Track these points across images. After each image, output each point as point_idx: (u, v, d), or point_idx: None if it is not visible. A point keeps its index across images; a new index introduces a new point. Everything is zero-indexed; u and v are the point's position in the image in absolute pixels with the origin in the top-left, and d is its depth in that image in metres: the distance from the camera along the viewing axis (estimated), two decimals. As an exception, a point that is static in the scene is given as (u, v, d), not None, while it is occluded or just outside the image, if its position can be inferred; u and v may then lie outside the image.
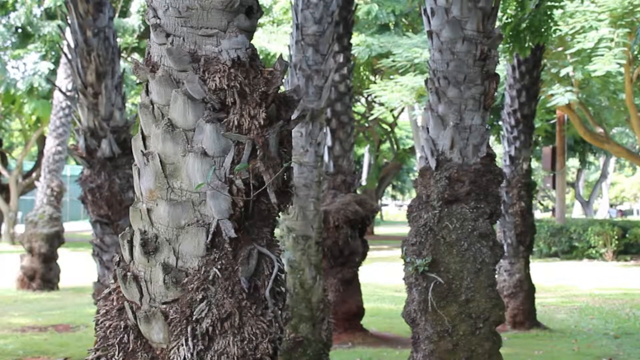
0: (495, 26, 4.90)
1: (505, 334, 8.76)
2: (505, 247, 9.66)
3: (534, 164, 28.29)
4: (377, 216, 36.41)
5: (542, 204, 39.82)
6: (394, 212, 56.18)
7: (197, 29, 2.42)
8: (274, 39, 17.69)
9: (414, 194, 5.18)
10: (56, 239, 13.66)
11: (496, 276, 4.86)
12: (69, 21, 6.37)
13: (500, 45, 7.00)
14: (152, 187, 2.45)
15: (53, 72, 19.85)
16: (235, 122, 2.40)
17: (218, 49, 2.41)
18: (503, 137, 10.12)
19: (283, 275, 2.52)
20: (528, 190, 9.87)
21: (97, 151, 6.16)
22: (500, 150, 10.94)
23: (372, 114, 18.72)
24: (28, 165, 28.99)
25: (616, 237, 19.91)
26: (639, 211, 56.35)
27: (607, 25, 11.03)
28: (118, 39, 6.86)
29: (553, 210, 32.52)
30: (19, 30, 21.45)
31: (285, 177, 2.50)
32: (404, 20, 19.13)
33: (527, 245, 9.89)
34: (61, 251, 14.18)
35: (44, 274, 13.46)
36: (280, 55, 2.65)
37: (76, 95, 6.38)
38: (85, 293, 12.03)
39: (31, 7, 20.59)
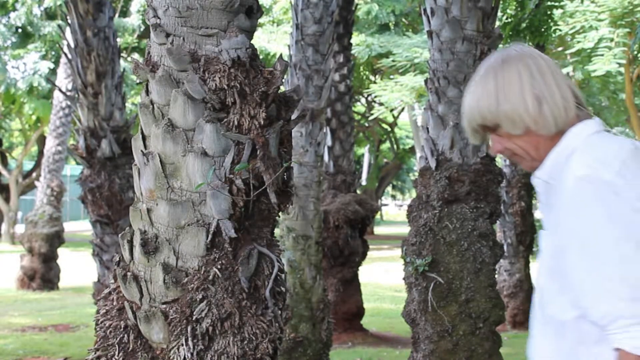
0: (495, 26, 4.90)
1: (505, 334, 8.76)
2: (505, 247, 9.67)
3: (534, 164, 28.24)
4: (377, 216, 36.42)
5: (542, 204, 39.68)
6: (394, 212, 56.20)
7: (197, 29, 2.42)
8: (274, 39, 17.68)
9: (414, 194, 5.18)
10: (56, 239, 13.67)
11: (496, 276, 4.86)
12: (69, 21, 6.37)
13: (500, 45, 6.99)
14: (152, 187, 2.45)
15: (53, 72, 19.86)
16: (235, 122, 2.40)
17: (218, 49, 2.40)
18: (503, 137, 10.11)
19: (283, 275, 2.52)
20: (528, 190, 9.88)
21: (97, 151, 6.16)
22: (500, 150, 10.91)
23: (372, 114, 18.72)
24: (28, 165, 28.99)
25: (616, 237, 19.90)
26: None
27: (607, 25, 11.04)
28: (118, 39, 6.86)
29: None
30: (19, 30, 21.45)
31: (285, 177, 2.50)
32: (404, 20, 19.13)
33: (527, 245, 9.90)
34: (61, 251, 14.19)
35: (44, 274, 13.47)
36: (280, 55, 2.65)
37: (76, 95, 6.38)
38: (85, 293, 12.03)
39: (31, 7, 20.59)
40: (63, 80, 13.81)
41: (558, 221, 1.71)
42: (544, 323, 1.78)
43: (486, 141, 1.89)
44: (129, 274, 2.47)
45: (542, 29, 7.82)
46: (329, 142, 9.17)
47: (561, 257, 1.69)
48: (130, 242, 2.51)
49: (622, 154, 1.67)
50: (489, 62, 1.81)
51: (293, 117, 2.57)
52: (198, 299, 2.36)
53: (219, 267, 2.38)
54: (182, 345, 2.35)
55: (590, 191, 1.62)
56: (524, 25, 7.73)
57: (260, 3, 2.57)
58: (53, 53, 20.68)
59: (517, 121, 1.73)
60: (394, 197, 58.55)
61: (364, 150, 34.67)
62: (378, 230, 33.79)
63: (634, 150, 1.70)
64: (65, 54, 6.59)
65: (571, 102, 1.75)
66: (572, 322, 1.69)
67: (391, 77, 17.06)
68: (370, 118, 21.54)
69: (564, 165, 1.72)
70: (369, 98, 22.95)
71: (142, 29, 20.74)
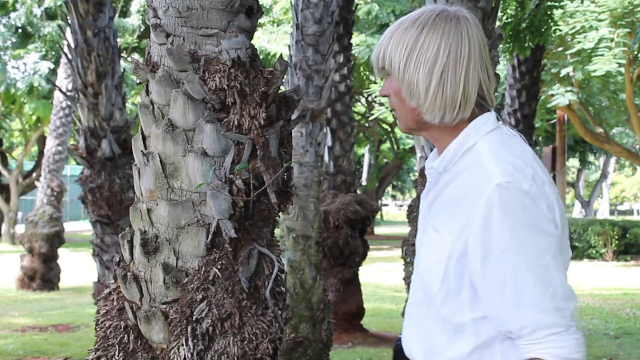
0: (495, 26, 4.89)
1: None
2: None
3: (534, 164, 28.17)
4: (377, 216, 36.43)
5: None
6: (394, 212, 56.21)
7: (197, 29, 2.42)
8: (274, 39, 17.70)
9: (414, 194, 5.17)
10: (56, 239, 13.67)
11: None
12: (69, 21, 6.37)
13: (500, 45, 6.99)
14: (152, 187, 2.45)
15: (53, 72, 19.87)
16: (236, 122, 2.40)
17: (218, 49, 2.40)
18: (503, 137, 10.11)
19: (283, 275, 2.52)
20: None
21: (97, 151, 6.16)
22: (500, 150, 10.92)
23: (372, 114, 18.73)
24: (28, 165, 29.01)
25: (616, 237, 19.92)
26: (639, 211, 56.43)
27: (607, 25, 11.05)
28: (118, 39, 6.86)
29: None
30: (19, 30, 21.47)
31: (285, 177, 2.50)
32: (404, 20, 19.14)
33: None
34: (61, 251, 14.19)
35: (44, 274, 13.47)
36: (280, 55, 2.65)
37: (76, 95, 6.38)
38: (85, 293, 12.03)
39: (31, 7, 20.60)
40: (63, 80, 13.82)
41: (456, 221, 1.65)
42: (434, 322, 1.73)
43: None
44: (129, 274, 2.47)
45: (542, 29, 7.82)
46: (329, 142, 9.16)
47: (462, 260, 1.65)
48: (130, 242, 2.51)
49: (530, 158, 1.68)
50: (423, 13, 1.71)
51: (293, 117, 2.57)
52: (198, 299, 2.36)
53: (219, 267, 2.38)
54: (182, 345, 2.35)
55: (511, 200, 1.59)
56: (524, 25, 7.74)
57: (260, 3, 2.57)
58: (53, 53, 20.69)
59: (413, 94, 1.68)
60: (394, 197, 58.56)
61: (364, 150, 34.68)
62: (378, 230, 33.80)
63: (531, 150, 1.73)
64: (65, 54, 6.59)
65: (471, 100, 1.69)
66: (470, 323, 1.67)
67: (391, 77, 16.99)
68: (371, 118, 21.55)
69: (462, 158, 1.71)
70: (369, 98, 22.96)
71: (142, 29, 20.75)
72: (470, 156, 1.70)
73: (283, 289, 2.50)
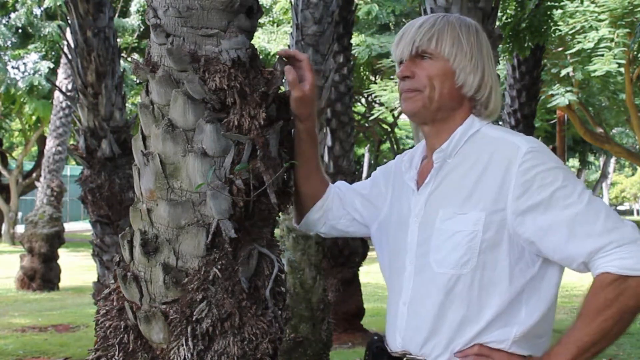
0: (495, 26, 4.89)
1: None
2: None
3: (534, 164, 28.15)
4: (377, 216, 36.28)
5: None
6: (394, 212, 56.10)
7: (197, 29, 2.42)
8: (273, 39, 17.70)
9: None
10: (56, 239, 13.66)
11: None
12: (69, 21, 6.36)
13: (500, 45, 6.99)
14: (152, 187, 2.45)
15: (53, 72, 19.87)
16: (236, 122, 2.39)
17: (218, 49, 2.40)
18: (503, 137, 10.11)
19: (283, 275, 2.52)
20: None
21: (97, 151, 6.16)
22: (500, 150, 10.91)
23: (372, 114, 18.72)
24: (28, 165, 28.99)
25: (616, 237, 19.87)
26: (639, 211, 56.45)
27: (607, 25, 11.05)
28: (118, 39, 6.86)
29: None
30: (19, 31, 21.47)
31: (285, 177, 2.50)
32: (404, 20, 19.13)
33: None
34: (61, 251, 14.19)
35: (44, 274, 13.47)
36: (281, 55, 2.64)
37: (76, 95, 6.38)
38: (85, 293, 12.03)
39: (31, 8, 20.60)
40: (63, 80, 13.82)
41: (483, 195, 1.80)
42: (457, 303, 1.82)
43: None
44: (129, 274, 2.47)
45: (542, 29, 7.82)
46: (329, 142, 9.16)
47: (501, 230, 1.77)
48: (130, 242, 2.51)
49: None
50: (461, 17, 2.03)
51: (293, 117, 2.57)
52: (198, 299, 2.36)
53: (219, 267, 2.38)
54: (182, 345, 2.34)
55: (545, 157, 1.79)
56: (524, 25, 7.74)
57: (260, 3, 2.57)
58: (53, 53, 20.70)
59: (472, 82, 1.90)
60: (394, 197, 58.49)
61: (364, 151, 34.66)
62: (378, 230, 33.70)
63: None
64: (65, 54, 6.59)
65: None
66: (506, 290, 1.79)
67: (391, 77, 17.08)
68: (371, 118, 21.54)
69: (466, 143, 1.89)
70: (369, 98, 22.96)
71: (142, 29, 20.76)
72: (476, 140, 1.88)
73: (283, 289, 2.50)
